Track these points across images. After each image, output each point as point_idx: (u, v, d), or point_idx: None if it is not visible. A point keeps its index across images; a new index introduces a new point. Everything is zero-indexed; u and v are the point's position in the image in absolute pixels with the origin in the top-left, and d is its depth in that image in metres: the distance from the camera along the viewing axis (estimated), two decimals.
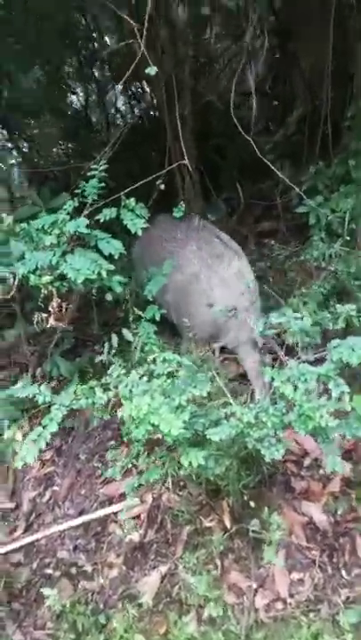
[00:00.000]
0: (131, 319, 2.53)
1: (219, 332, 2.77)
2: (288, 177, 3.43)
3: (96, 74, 4.43)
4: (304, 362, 1.71)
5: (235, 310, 2.61)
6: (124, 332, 2.51)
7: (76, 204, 2.06)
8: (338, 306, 2.05)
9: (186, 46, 3.07)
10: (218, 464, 1.87)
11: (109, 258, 1.96)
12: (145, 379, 1.78)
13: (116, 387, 1.86)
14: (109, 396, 1.84)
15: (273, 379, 1.69)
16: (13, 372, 3.22)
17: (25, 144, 4.78)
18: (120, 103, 4.97)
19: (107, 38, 4.22)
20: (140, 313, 2.54)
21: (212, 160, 4.66)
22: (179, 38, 2.98)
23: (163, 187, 2.32)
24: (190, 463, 1.73)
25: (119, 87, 4.34)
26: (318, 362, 1.93)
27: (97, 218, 2.07)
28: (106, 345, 2.46)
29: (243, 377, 2.78)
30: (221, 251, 2.76)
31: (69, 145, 4.83)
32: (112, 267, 1.91)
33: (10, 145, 4.58)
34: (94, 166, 2.05)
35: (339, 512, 2.23)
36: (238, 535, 2.23)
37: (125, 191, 2.15)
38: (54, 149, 4.81)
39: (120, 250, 1.98)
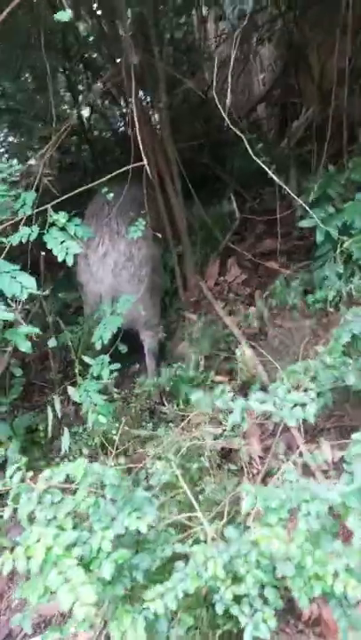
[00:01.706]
0: (77, 372, 1.89)
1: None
2: (295, 189, 2.79)
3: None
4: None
5: (100, 296, 2.50)
6: (70, 390, 1.87)
7: None
8: None
9: (156, 28, 2.48)
10: (176, 624, 1.19)
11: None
12: (53, 496, 1.12)
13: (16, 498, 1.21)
14: (5, 515, 1.19)
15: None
16: None
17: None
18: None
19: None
20: (91, 361, 1.88)
21: (207, 167, 4.07)
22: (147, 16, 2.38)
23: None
24: (125, 633, 1.07)
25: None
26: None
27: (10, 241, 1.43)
28: (49, 409, 1.83)
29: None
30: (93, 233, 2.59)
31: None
32: (10, 315, 1.26)
33: None
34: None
35: None
36: None
37: (57, 201, 1.52)
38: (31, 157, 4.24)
39: (32, 290, 1.32)
